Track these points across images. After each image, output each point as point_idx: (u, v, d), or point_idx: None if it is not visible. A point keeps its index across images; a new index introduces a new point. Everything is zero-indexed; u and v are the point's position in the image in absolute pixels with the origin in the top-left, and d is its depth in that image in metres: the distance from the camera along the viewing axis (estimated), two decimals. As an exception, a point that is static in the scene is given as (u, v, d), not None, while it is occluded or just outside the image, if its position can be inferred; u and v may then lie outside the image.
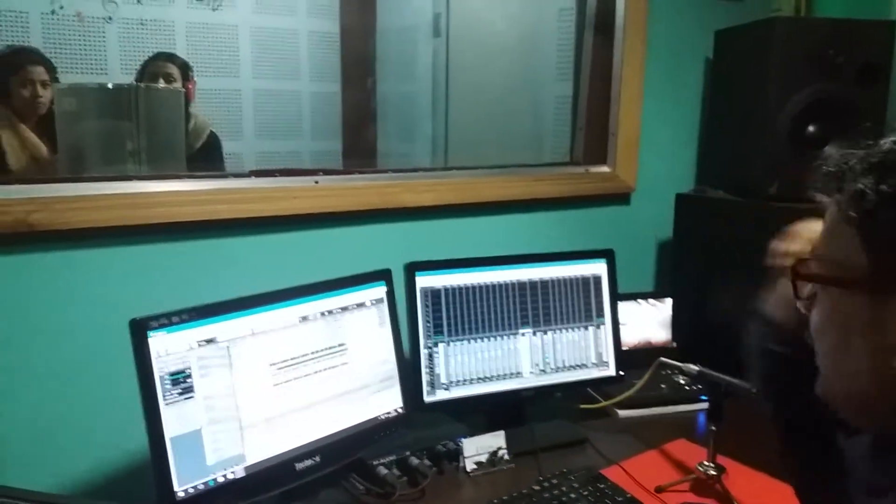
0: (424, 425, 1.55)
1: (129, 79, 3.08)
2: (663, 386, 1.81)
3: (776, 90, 1.75)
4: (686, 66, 2.12)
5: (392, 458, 1.44)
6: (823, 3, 3.13)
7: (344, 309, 1.38)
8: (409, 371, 1.50)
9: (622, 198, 2.07)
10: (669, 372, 1.84)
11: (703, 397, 1.75)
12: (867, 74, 1.76)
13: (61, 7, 3.02)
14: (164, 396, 1.12)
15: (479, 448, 1.49)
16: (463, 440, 1.49)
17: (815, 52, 1.73)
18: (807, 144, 1.79)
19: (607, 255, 1.70)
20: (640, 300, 1.95)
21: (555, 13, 2.72)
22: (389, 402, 1.45)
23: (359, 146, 3.68)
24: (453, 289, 1.54)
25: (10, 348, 1.26)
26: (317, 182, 1.54)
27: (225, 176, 1.46)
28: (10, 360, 1.27)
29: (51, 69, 2.49)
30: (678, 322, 1.96)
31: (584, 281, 1.67)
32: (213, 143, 2.82)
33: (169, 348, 1.13)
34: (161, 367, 1.12)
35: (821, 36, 1.73)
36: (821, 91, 1.74)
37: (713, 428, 1.43)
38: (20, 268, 1.25)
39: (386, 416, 1.44)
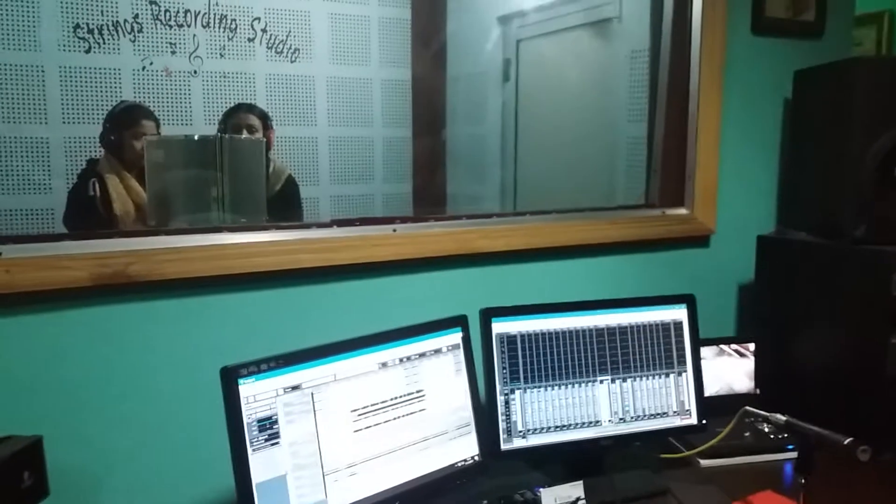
0: (502, 474, 1.53)
1: (212, 128, 3.24)
2: (747, 434, 1.75)
3: (861, 131, 1.70)
4: (765, 106, 2.08)
5: (470, 506, 1.43)
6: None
7: (422, 355, 1.40)
8: (486, 418, 1.50)
9: (701, 240, 2.03)
10: (753, 420, 1.77)
11: (790, 446, 1.69)
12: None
13: (151, 63, 3.20)
14: (251, 443, 1.15)
15: (557, 498, 1.46)
16: (541, 490, 1.47)
17: (901, 91, 1.68)
18: (893, 186, 1.73)
19: (688, 300, 1.67)
20: (721, 346, 1.90)
21: (626, 55, 2.74)
22: (466, 449, 1.45)
23: (429, 190, 3.74)
24: (530, 335, 1.54)
25: (106, 395, 1.33)
26: (395, 230, 1.57)
27: (308, 226, 1.51)
28: (108, 406, 1.33)
29: (158, 124, 2.67)
30: (761, 368, 1.90)
31: (665, 327, 1.64)
32: (291, 187, 2.92)
33: (257, 395, 1.17)
34: (249, 413, 1.15)
35: (907, 74, 1.68)
36: (908, 131, 1.69)
37: (802, 480, 1.38)
38: (118, 317, 1.32)
39: (463, 463, 1.44)
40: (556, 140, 3.29)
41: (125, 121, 2.58)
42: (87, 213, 2.39)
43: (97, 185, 2.40)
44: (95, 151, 2.75)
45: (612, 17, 2.89)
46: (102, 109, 2.98)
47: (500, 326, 1.52)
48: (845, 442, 1.24)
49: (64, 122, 3.00)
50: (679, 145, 2.00)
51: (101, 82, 3.07)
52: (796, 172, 2.00)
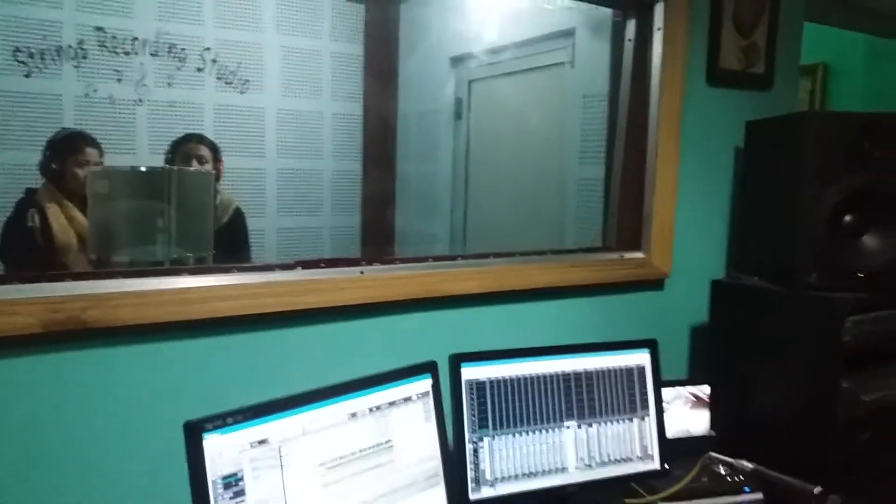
0: (469, 524, 1.50)
1: (156, 158, 3.14)
2: (704, 478, 1.76)
3: (812, 181, 1.76)
4: (717, 153, 2.14)
5: (438, 560, 1.39)
6: (839, 94, 3.22)
7: (391, 404, 1.36)
8: (454, 467, 1.47)
9: (656, 284, 2.06)
10: (711, 463, 1.79)
11: (747, 489, 1.71)
12: (902, 166, 1.78)
13: (95, 90, 3.10)
14: (216, 501, 1.09)
15: (526, 548, 1.44)
16: (509, 540, 1.45)
17: (849, 144, 1.75)
18: (844, 234, 1.80)
19: (650, 344, 1.68)
20: (677, 387, 1.92)
21: (579, 98, 2.79)
22: (435, 500, 1.41)
23: (378, 225, 3.71)
24: (498, 381, 1.52)
25: (62, 445, 1.24)
26: (362, 272, 1.54)
27: (271, 268, 1.46)
28: (63, 455, 1.25)
29: (101, 152, 2.57)
30: (717, 410, 1.93)
31: (629, 371, 1.65)
32: (238, 220, 2.86)
33: (223, 451, 1.11)
34: (214, 470, 1.09)
35: (854, 129, 1.75)
36: (858, 183, 1.76)
37: (768, 528, 1.39)
38: (71, 365, 1.24)
39: (431, 515, 1.40)
40: (507, 180, 3.32)
41: (68, 148, 2.48)
42: (26, 246, 2.27)
43: (36, 216, 2.28)
44: (33, 180, 2.63)
45: (564, 61, 2.95)
46: (42, 136, 2.86)
47: (469, 372, 1.50)
48: (815, 491, 1.26)
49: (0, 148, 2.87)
50: (636, 190, 2.04)
51: (41, 108, 2.95)
52: (749, 218, 2.06)
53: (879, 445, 1.76)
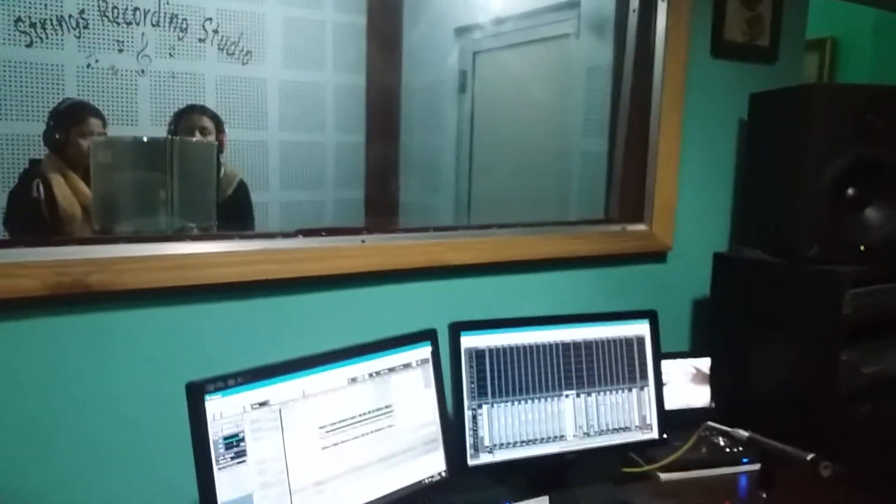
0: (468, 489, 1.52)
1: (158, 129, 3.14)
2: (703, 449, 1.77)
3: (815, 154, 1.76)
4: (721, 126, 2.13)
5: (436, 523, 1.42)
6: (847, 68, 3.19)
7: (391, 370, 1.38)
8: (453, 434, 1.48)
9: (659, 256, 2.07)
10: (708, 433, 1.80)
11: (745, 460, 1.73)
12: (905, 139, 1.77)
13: (97, 60, 3.09)
14: (217, 461, 1.11)
15: (523, 513, 1.46)
16: (507, 505, 1.47)
17: (854, 116, 1.74)
18: (846, 207, 1.80)
19: (650, 315, 1.69)
20: (678, 359, 1.93)
21: (583, 70, 2.77)
22: (433, 465, 1.43)
23: (382, 198, 3.71)
24: (498, 349, 1.53)
25: (63, 411, 1.26)
26: (363, 241, 1.54)
27: (272, 236, 1.47)
28: (65, 423, 1.26)
29: (105, 122, 2.58)
30: (717, 382, 1.94)
31: (628, 342, 1.65)
32: (242, 193, 2.86)
33: (224, 412, 1.12)
34: (216, 430, 1.11)
35: (859, 102, 1.74)
36: (860, 155, 1.75)
37: (764, 495, 1.40)
38: (75, 328, 1.25)
39: (430, 479, 1.42)
40: (511, 152, 3.31)
41: (71, 118, 2.48)
42: (31, 217, 2.28)
43: (41, 187, 2.29)
44: (37, 151, 2.64)
45: (569, 32, 2.93)
46: (44, 107, 2.86)
47: (468, 340, 1.50)
48: (808, 458, 1.27)
49: (2, 119, 2.86)
50: (639, 162, 2.03)
51: (42, 78, 2.94)
52: (752, 192, 2.05)
53: (879, 417, 1.77)
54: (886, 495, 1.18)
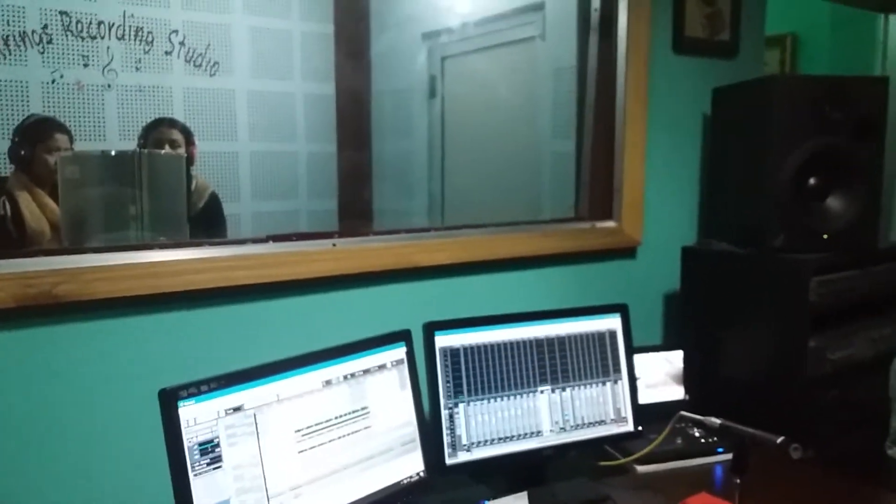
0: (446, 489, 1.52)
1: (127, 144, 3.12)
2: (679, 440, 1.80)
3: (777, 145, 1.80)
4: (685, 121, 2.17)
5: (416, 523, 1.42)
6: (807, 63, 3.26)
7: (366, 371, 1.38)
8: (431, 433, 1.49)
9: (628, 252, 2.09)
10: (684, 425, 1.83)
11: (720, 449, 1.75)
12: (862, 129, 1.82)
13: (61, 76, 3.06)
14: (192, 467, 1.10)
15: (503, 510, 1.46)
16: (486, 503, 1.47)
17: (813, 108, 1.78)
18: (809, 196, 1.84)
19: (621, 309, 1.71)
20: (651, 353, 1.95)
21: (551, 72, 2.80)
22: (411, 466, 1.43)
23: (355, 205, 3.71)
24: (472, 347, 1.54)
25: (36, 420, 1.25)
26: (334, 245, 1.55)
27: (242, 242, 1.47)
28: (37, 431, 1.25)
29: (71, 137, 2.55)
30: (689, 374, 1.97)
31: (600, 336, 1.67)
32: (214, 204, 2.85)
33: (198, 418, 1.12)
34: (190, 437, 1.11)
35: (818, 93, 1.79)
36: (819, 145, 1.79)
37: (738, 481, 1.42)
38: (45, 340, 1.24)
39: (408, 480, 1.42)
40: (482, 155, 3.33)
41: (37, 134, 2.46)
42: (-2, 235, 2.25)
43: (7, 204, 2.26)
44: (3, 168, 2.60)
45: (535, 35, 2.96)
46: (8, 123, 2.83)
47: (442, 340, 1.51)
48: (778, 441, 1.29)
49: (-36, 137, 2.83)
50: (607, 160, 2.06)
51: (6, 94, 2.91)
52: (717, 185, 2.09)
53: (845, 401, 1.81)
54: (852, 474, 1.21)
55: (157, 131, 2.71)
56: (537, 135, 2.89)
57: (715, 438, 1.76)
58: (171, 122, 2.82)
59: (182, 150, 2.66)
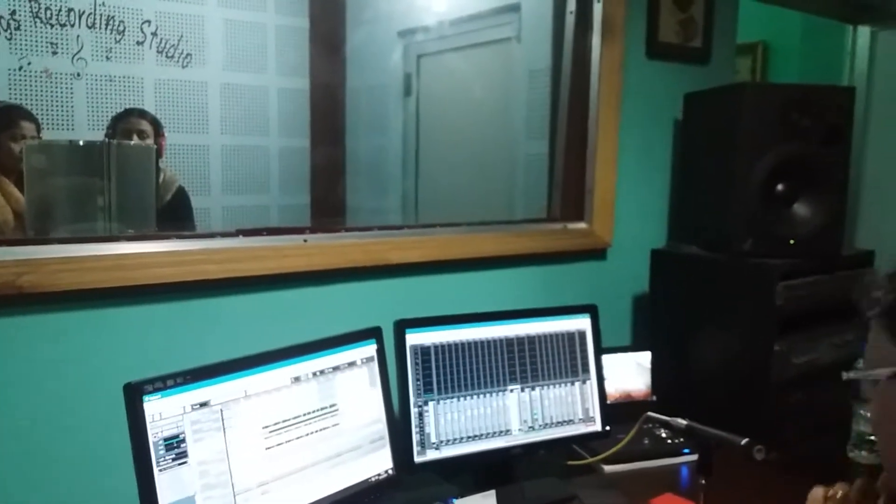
0: (415, 487, 1.52)
1: (95, 134, 3.07)
2: (646, 440, 1.82)
3: (746, 151, 1.82)
4: (657, 126, 2.19)
5: (383, 521, 1.41)
6: (777, 71, 3.32)
7: (335, 368, 1.37)
8: (400, 431, 1.49)
9: (599, 253, 2.11)
10: (651, 426, 1.85)
11: (686, 451, 1.77)
12: (830, 136, 1.85)
13: (29, 63, 3.00)
14: (157, 463, 1.09)
15: (470, 508, 1.47)
16: (454, 501, 1.47)
17: (782, 115, 1.81)
18: (777, 202, 1.87)
19: (591, 310, 1.72)
20: (619, 353, 1.97)
21: (525, 73, 2.82)
22: (380, 463, 1.43)
23: (328, 201, 3.70)
24: (442, 346, 1.54)
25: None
26: (305, 240, 1.54)
27: (211, 236, 1.45)
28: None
29: (38, 126, 2.50)
30: (657, 375, 1.99)
31: (570, 336, 1.68)
32: (181, 198, 2.82)
33: (163, 413, 1.10)
34: (155, 432, 1.09)
35: (787, 100, 1.81)
36: (788, 152, 1.82)
37: (703, 482, 1.44)
38: (7, 331, 1.21)
39: (377, 478, 1.42)
40: (457, 154, 3.34)
41: (2, 122, 2.41)
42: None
43: (-31, 193, 2.22)
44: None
45: (510, 36, 2.97)
46: (-27, 110, 2.76)
47: (413, 338, 1.51)
48: (742, 443, 1.31)
49: (-73, 123, 2.75)
50: (579, 162, 2.07)
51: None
52: (687, 188, 2.11)
53: (808, 404, 1.84)
54: (813, 476, 1.24)
55: (127, 122, 2.67)
56: (511, 135, 2.90)
57: (681, 439, 1.78)
58: (141, 113, 2.78)
59: (150, 142, 2.62)
